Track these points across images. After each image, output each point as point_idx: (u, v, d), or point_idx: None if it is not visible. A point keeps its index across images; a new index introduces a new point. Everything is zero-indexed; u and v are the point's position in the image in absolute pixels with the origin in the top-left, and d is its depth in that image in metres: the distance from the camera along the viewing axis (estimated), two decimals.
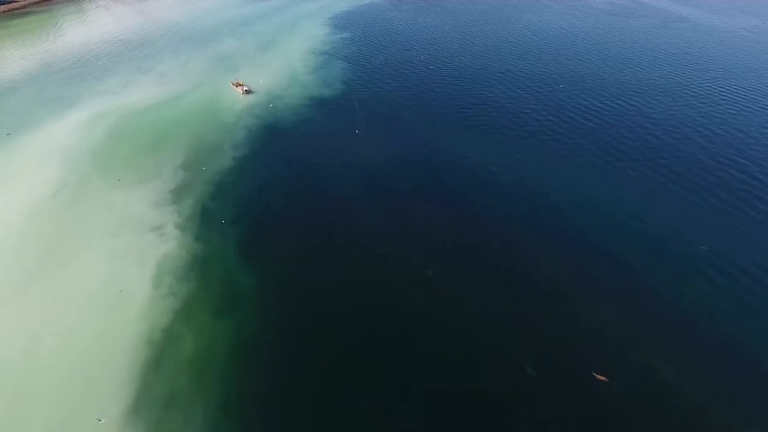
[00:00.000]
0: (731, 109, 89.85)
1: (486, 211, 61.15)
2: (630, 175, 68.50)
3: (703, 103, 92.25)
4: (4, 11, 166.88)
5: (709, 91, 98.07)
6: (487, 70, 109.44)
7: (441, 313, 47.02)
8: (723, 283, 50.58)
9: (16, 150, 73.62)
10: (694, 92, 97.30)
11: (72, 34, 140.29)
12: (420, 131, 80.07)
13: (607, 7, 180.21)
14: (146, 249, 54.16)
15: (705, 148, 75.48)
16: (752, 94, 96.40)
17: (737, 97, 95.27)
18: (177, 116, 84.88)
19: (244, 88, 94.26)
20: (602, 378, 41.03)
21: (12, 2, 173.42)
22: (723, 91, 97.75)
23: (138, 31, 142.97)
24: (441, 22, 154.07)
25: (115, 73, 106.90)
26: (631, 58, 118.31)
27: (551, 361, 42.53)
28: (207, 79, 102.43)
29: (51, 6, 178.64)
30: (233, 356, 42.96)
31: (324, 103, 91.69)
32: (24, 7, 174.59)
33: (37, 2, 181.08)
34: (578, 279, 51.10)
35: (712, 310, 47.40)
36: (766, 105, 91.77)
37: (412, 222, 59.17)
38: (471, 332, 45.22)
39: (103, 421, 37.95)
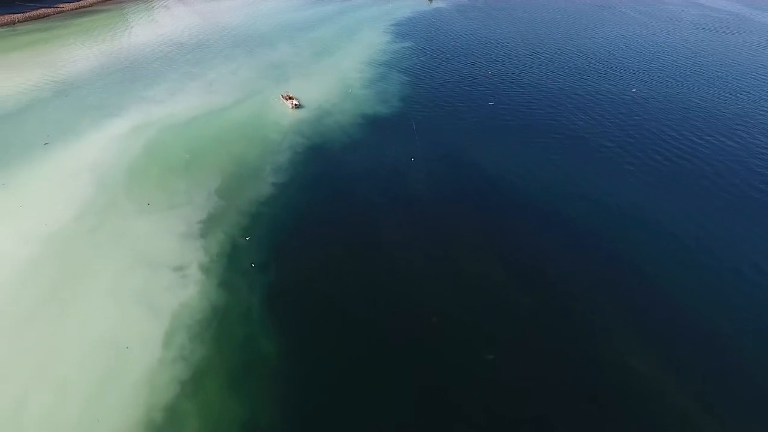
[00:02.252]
0: None
1: (568, 279, 50.57)
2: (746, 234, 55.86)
3: None
4: (72, 9, 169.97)
5: None
6: (561, 89, 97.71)
7: None
8: None
9: (50, 162, 69.64)
10: None
11: (129, 35, 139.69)
12: (482, 165, 69.97)
13: (698, 20, 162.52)
14: (163, 295, 47.40)
15: None
16: None
17: None
18: (220, 131, 78.96)
19: (294, 102, 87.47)
20: None
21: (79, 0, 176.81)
22: None
23: (194, 34, 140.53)
24: (511, 33, 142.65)
25: (165, 78, 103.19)
26: (730, 83, 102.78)
27: None
28: (256, 89, 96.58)
29: (116, 5, 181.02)
30: None
31: (378, 122, 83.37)
32: (91, 5, 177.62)
33: (104, 0, 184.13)
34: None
35: None
36: None
37: (471, 282, 49.53)
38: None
39: None
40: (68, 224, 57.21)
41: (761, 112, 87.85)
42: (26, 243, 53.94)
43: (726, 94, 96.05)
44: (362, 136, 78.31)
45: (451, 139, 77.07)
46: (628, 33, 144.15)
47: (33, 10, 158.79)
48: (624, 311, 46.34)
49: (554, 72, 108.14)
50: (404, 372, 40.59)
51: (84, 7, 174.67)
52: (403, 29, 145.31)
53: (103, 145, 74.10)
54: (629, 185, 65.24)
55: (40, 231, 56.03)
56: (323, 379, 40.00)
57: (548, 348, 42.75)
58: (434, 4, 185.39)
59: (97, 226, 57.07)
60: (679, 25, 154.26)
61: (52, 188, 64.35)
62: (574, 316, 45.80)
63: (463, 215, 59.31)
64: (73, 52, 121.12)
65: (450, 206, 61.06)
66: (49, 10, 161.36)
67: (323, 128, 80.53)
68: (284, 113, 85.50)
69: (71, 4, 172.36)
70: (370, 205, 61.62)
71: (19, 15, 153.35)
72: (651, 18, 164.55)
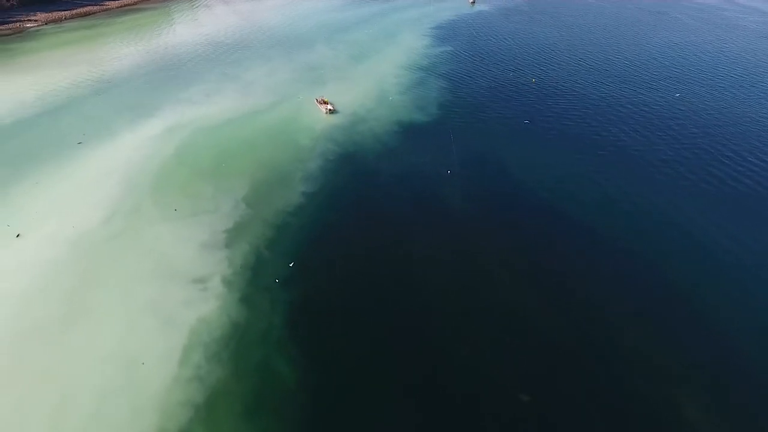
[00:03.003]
0: None
1: (613, 306, 46.30)
2: None
3: None
4: (117, 7, 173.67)
5: None
6: (608, 99, 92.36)
7: None
8: None
9: (82, 162, 69.60)
10: None
11: (170, 34, 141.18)
12: (523, 181, 65.93)
13: (759, 27, 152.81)
14: (182, 309, 45.67)
15: None
16: None
17: None
18: (252, 135, 77.52)
19: (329, 107, 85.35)
20: None
21: None
22: None
23: (233, 34, 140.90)
24: (556, 39, 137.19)
25: (202, 79, 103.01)
26: None
27: None
28: (291, 92, 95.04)
29: (161, 3, 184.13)
30: None
31: (414, 130, 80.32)
32: (135, 3, 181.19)
33: None
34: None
35: None
36: None
37: (506, 311, 45.91)
38: None
39: None
40: (94, 228, 56.48)
41: None
42: (52, 245, 53.39)
43: None
44: (397, 144, 75.43)
45: (491, 151, 73.27)
46: (682, 41, 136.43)
47: (80, 7, 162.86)
48: (680, 351, 41.90)
49: (602, 81, 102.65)
50: (436, 408, 37.48)
51: (129, 5, 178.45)
52: (444, 32, 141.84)
53: (135, 145, 73.70)
54: (683, 207, 60.09)
55: (66, 233, 55.47)
56: (343, 411, 37.30)
57: (591, 388, 38.81)
58: (477, 7, 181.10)
59: (122, 231, 56.11)
60: (737, 33, 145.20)
61: (82, 189, 64.04)
62: (620, 348, 41.66)
63: (500, 237, 55.58)
64: (114, 50, 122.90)
65: (486, 225, 57.42)
66: (95, 8, 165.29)
67: (357, 135, 78.06)
68: (318, 118, 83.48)
69: (116, 2, 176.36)
70: (402, 220, 58.65)
71: (66, 12, 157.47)
72: (706, 24, 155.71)
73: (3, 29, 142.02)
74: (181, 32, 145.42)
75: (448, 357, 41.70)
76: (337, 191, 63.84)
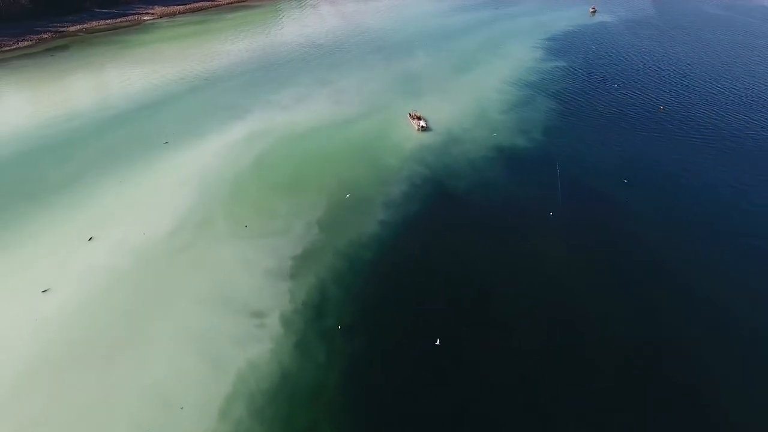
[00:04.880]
0: None
1: None
2: None
3: None
4: (228, 3, 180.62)
5: None
6: (759, 141, 77.73)
7: None
8: None
9: (165, 164, 69.45)
10: None
11: (273, 33, 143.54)
12: (645, 240, 55.43)
13: None
14: (233, 348, 41.78)
15: None
16: None
17: None
18: (336, 148, 73.68)
19: (421, 123, 79.50)
20: None
21: None
22: None
23: (334, 36, 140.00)
24: (692, 59, 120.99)
25: (295, 82, 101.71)
26: None
27: None
28: (384, 103, 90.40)
29: (269, 2, 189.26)
30: None
31: (514, 158, 72.15)
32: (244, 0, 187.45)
33: None
34: None
35: None
36: None
37: (612, 408, 37.12)
38: None
39: None
40: (162, 238, 54.89)
41: None
42: (119, 253, 52.37)
43: None
44: (493, 173, 67.76)
45: (606, 194, 63.27)
46: None
47: (193, 2, 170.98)
48: None
49: (750, 117, 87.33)
50: None
51: (239, 1, 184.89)
52: (558, 45, 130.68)
53: (217, 150, 72.64)
54: None
55: (135, 241, 54.37)
56: None
57: None
58: (598, 18, 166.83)
59: (188, 244, 53.96)
60: None
61: (160, 192, 63.48)
62: None
63: (610, 308, 46.37)
64: (217, 48, 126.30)
65: (594, 290, 48.29)
66: (207, 3, 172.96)
67: (449, 158, 71.42)
68: (409, 135, 77.88)
69: None
70: (491, 265, 51.17)
71: (180, 7, 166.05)
72: None
73: (123, 21, 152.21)
74: (283, 31, 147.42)
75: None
76: (418, 224, 57.66)
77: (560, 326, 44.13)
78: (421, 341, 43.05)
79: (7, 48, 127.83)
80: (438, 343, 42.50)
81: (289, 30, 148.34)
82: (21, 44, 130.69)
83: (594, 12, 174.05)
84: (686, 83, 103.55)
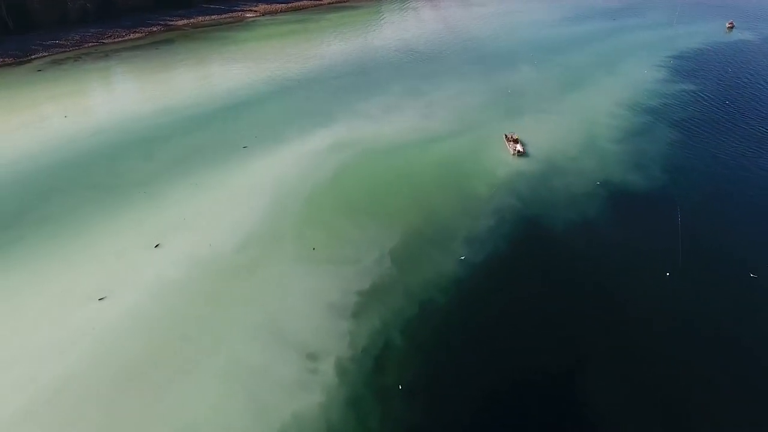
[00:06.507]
0: None
1: None
2: None
3: None
4: (329, 2, 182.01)
5: None
6: None
7: None
8: None
9: (241, 171, 68.32)
10: None
11: (369, 36, 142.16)
12: None
13: None
14: (280, 395, 38.04)
15: None
16: None
17: None
18: (420, 169, 68.67)
19: (518, 147, 72.37)
20: None
21: None
22: None
23: (432, 42, 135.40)
24: None
25: (385, 91, 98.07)
26: None
27: None
28: (478, 121, 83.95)
29: (371, 2, 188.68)
30: None
31: (626, 198, 63.15)
32: (347, 0, 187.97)
33: None
34: None
35: None
36: None
37: None
38: None
39: None
40: (227, 252, 52.94)
41: None
42: (181, 266, 51.02)
43: None
44: (599, 215, 59.42)
45: (741, 256, 52.78)
46: None
47: (295, 1, 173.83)
48: None
49: None
50: None
51: (341, 1, 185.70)
52: (685, 65, 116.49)
53: (295, 159, 70.41)
54: None
55: (200, 253, 52.91)
56: None
57: None
58: (736, 35, 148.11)
59: (252, 263, 51.47)
60: None
61: (232, 200, 62.21)
62: None
63: (741, 407, 37.38)
64: (313, 48, 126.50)
65: (722, 380, 39.38)
66: (308, 2, 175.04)
67: (548, 192, 63.89)
68: (503, 160, 71.05)
69: None
70: (588, 333, 43.68)
71: (282, 5, 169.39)
72: None
73: (227, 17, 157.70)
74: (380, 35, 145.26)
75: None
76: (504, 269, 51.14)
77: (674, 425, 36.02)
78: (498, 419, 36.93)
79: (120, 39, 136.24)
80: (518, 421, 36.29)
81: (387, 34, 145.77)
82: (132, 36, 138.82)
83: (731, 28, 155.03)
84: None
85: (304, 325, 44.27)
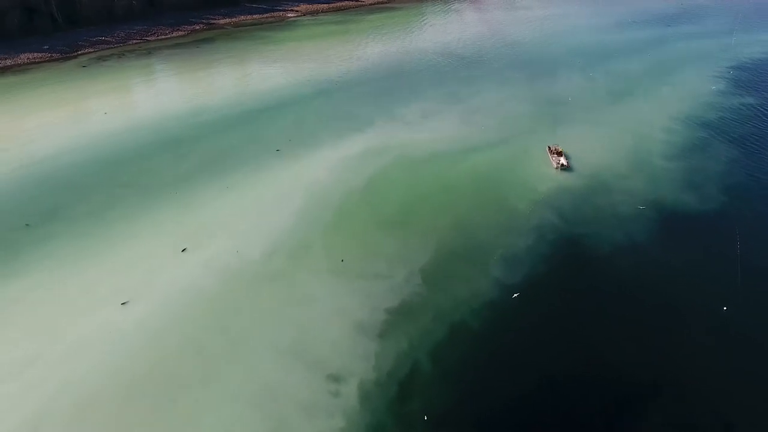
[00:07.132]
0: None
1: None
2: None
3: None
4: (371, 3, 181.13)
5: None
6: None
7: None
8: None
9: (273, 175, 67.48)
10: None
11: (411, 38, 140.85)
12: None
13: None
14: (299, 418, 36.44)
15: None
16: None
17: None
18: (457, 180, 66.28)
19: (562, 161, 69.15)
20: None
21: None
22: None
23: (475, 46, 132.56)
24: None
25: (425, 96, 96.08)
26: None
27: None
28: (520, 130, 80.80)
29: (415, 3, 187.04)
30: None
31: (679, 221, 59.23)
32: (389, 0, 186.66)
33: None
34: None
35: None
36: None
37: None
38: None
39: None
40: (254, 261, 51.92)
41: None
42: (207, 272, 50.20)
43: None
44: (648, 238, 55.73)
45: None
46: None
47: (337, 1, 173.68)
48: None
49: None
50: None
51: (383, 2, 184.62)
52: (748, 77, 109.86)
53: (328, 165, 69.11)
54: None
55: (227, 260, 52.09)
56: None
57: None
58: None
59: (279, 273, 50.30)
60: None
61: (262, 206, 61.41)
62: None
63: None
64: (352, 50, 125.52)
65: None
66: (350, 3, 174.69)
67: (592, 210, 60.52)
68: (545, 174, 67.90)
69: None
70: (633, 370, 40.50)
71: (324, 5, 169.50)
72: None
73: (268, 17, 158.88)
74: (421, 37, 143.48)
75: None
76: (543, 293, 48.34)
77: None
78: None
79: (163, 36, 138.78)
80: None
81: (428, 36, 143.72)
82: (175, 33, 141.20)
83: None
84: None
85: (329, 342, 42.68)
